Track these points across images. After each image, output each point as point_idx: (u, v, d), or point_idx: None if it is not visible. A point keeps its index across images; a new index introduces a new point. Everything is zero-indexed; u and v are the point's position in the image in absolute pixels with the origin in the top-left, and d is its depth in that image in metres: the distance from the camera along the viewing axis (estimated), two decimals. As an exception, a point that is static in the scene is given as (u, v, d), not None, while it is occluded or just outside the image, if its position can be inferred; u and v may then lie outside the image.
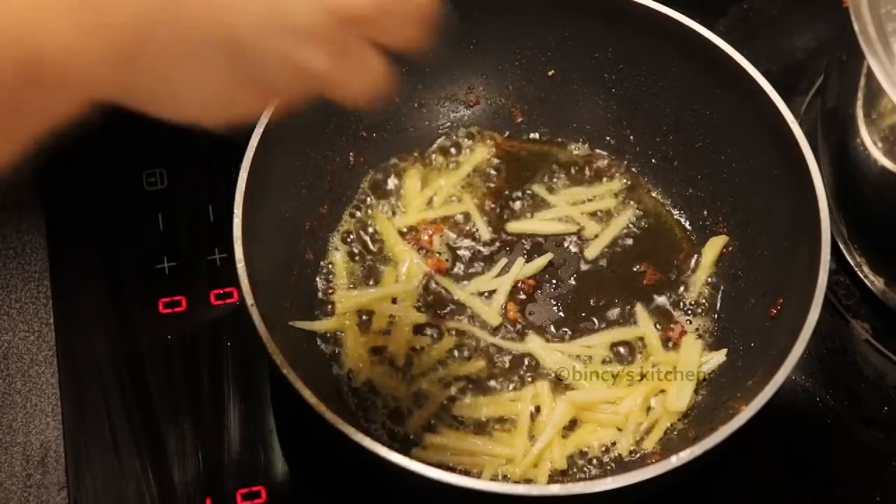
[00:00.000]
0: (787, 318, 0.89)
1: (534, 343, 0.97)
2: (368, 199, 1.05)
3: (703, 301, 1.00)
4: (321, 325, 0.97)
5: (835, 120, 1.00)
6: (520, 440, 0.92)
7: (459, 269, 1.02)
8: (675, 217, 1.05)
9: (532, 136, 1.10)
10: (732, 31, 1.21)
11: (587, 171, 1.08)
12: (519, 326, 0.99)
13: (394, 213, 1.05)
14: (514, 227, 1.04)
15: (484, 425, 0.93)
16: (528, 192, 1.06)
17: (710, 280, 1.01)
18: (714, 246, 1.02)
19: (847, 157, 0.97)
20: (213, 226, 1.08)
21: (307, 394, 0.81)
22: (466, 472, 0.90)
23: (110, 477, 0.95)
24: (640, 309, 1.00)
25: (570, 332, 0.99)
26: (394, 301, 0.99)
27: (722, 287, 1.00)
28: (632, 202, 1.06)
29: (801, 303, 0.86)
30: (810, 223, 0.89)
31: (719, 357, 0.96)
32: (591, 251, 1.03)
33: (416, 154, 1.08)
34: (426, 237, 1.03)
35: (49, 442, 0.98)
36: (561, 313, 1.00)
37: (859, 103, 0.92)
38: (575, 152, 1.09)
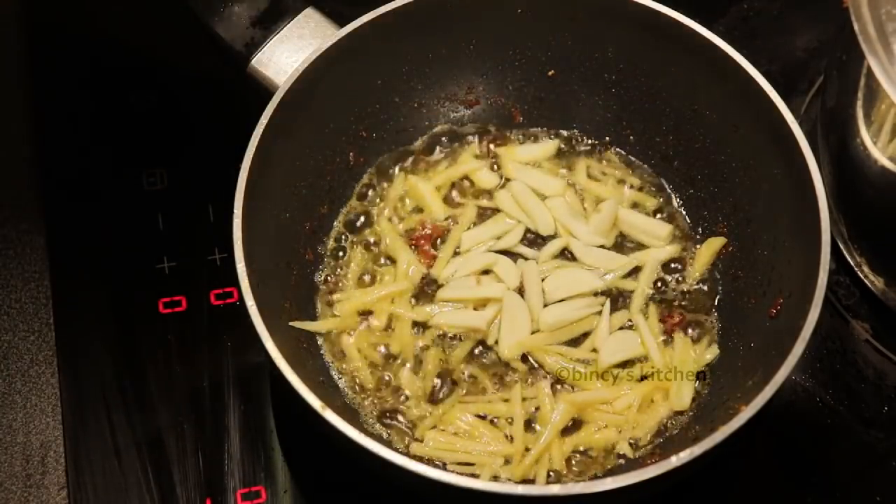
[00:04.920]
0: (787, 318, 0.89)
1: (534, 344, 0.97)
2: (368, 199, 1.05)
3: (702, 300, 1.00)
4: (321, 325, 0.97)
5: (835, 120, 1.00)
6: (519, 440, 0.92)
7: (459, 268, 1.02)
8: (675, 217, 1.05)
9: (531, 135, 1.10)
10: (732, 31, 1.21)
11: (587, 171, 1.08)
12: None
13: (393, 214, 1.05)
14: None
15: (484, 425, 0.93)
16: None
17: (708, 280, 1.01)
18: (711, 246, 1.02)
19: (847, 157, 0.97)
20: (213, 226, 1.08)
21: (307, 394, 0.81)
22: (466, 473, 0.90)
23: (110, 477, 0.95)
24: (638, 315, 0.99)
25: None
26: (392, 301, 0.99)
27: (722, 287, 1.00)
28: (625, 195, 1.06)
29: (801, 303, 0.86)
30: (810, 223, 0.89)
31: (712, 351, 0.96)
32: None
33: (415, 154, 1.08)
34: (425, 237, 1.03)
35: (49, 442, 0.98)
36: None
37: (859, 103, 0.92)
38: (574, 152, 1.09)
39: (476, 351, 0.97)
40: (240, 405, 0.99)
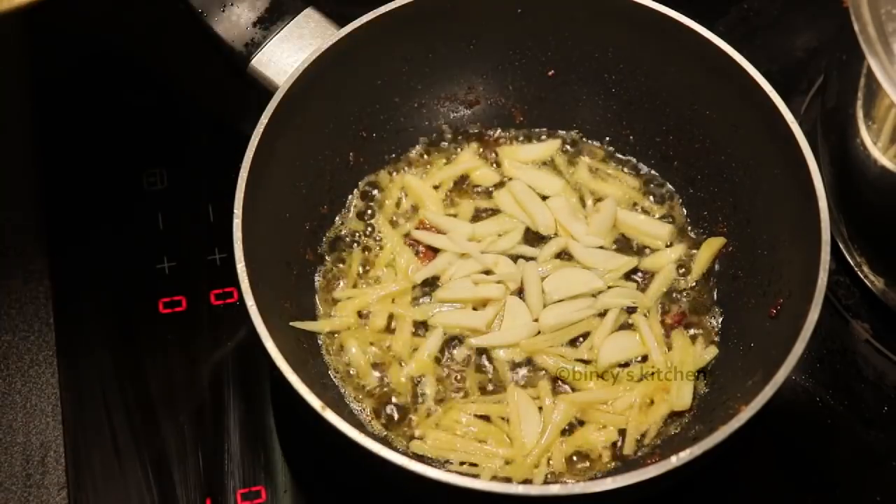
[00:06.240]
0: (787, 318, 0.89)
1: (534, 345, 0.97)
2: (368, 199, 1.05)
3: (702, 300, 1.00)
4: (321, 325, 0.97)
5: (835, 120, 1.00)
6: (519, 440, 0.92)
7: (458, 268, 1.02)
8: (675, 217, 1.05)
9: (532, 135, 1.10)
10: (732, 31, 1.21)
11: (587, 171, 1.08)
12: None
13: (393, 213, 1.05)
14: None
15: (484, 425, 0.93)
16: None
17: (708, 280, 1.01)
18: (711, 246, 1.02)
19: (847, 157, 0.97)
20: (213, 226, 1.08)
21: (307, 394, 0.81)
22: (466, 473, 0.90)
23: (110, 477, 0.95)
24: (638, 315, 0.99)
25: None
26: (393, 301, 0.99)
27: (722, 287, 1.00)
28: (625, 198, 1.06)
29: (801, 303, 0.86)
30: (810, 223, 0.89)
31: (712, 351, 0.96)
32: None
33: (415, 154, 1.08)
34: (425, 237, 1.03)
35: (49, 442, 0.98)
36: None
37: (859, 103, 0.92)
38: (574, 152, 1.09)
39: (476, 351, 0.97)
40: (240, 405, 0.99)
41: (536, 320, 0.98)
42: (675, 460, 0.79)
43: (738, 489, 0.98)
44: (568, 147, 1.09)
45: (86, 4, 1.18)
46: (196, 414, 0.98)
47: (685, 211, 1.05)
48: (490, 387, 0.95)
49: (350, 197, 1.05)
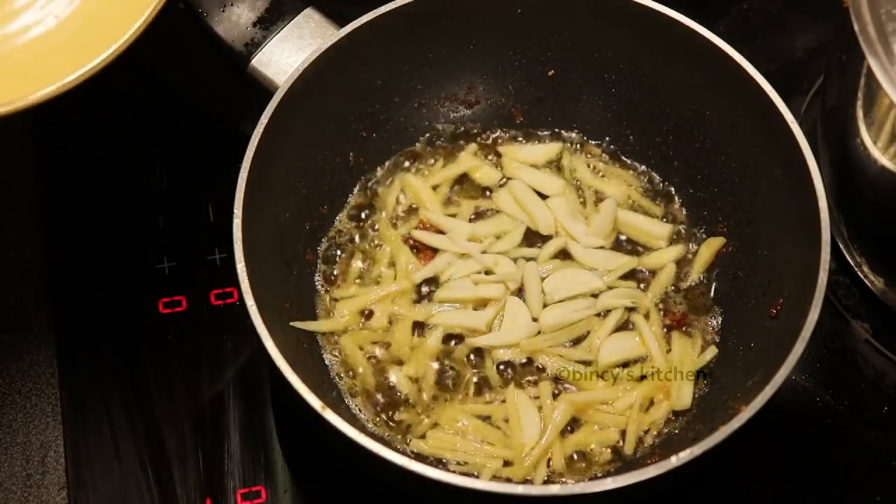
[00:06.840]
0: (787, 318, 0.89)
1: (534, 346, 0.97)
2: (368, 199, 1.05)
3: (702, 300, 1.00)
4: (321, 325, 0.97)
5: (835, 120, 1.00)
6: (519, 440, 0.92)
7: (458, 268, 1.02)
8: (675, 217, 1.05)
9: (532, 135, 1.10)
10: (732, 31, 1.21)
11: (587, 171, 1.08)
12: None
13: (393, 214, 1.05)
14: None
15: (484, 425, 0.93)
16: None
17: (708, 280, 1.01)
18: (711, 246, 1.02)
19: (847, 157, 0.97)
20: (213, 226, 1.08)
21: (307, 394, 0.81)
22: (466, 472, 0.90)
23: (110, 477, 0.95)
24: (638, 315, 0.99)
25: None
26: (393, 301, 0.99)
27: (722, 287, 1.00)
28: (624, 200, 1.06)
29: (801, 303, 0.86)
30: (810, 223, 0.89)
31: (712, 351, 0.96)
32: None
33: (415, 154, 1.08)
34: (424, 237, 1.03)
35: (49, 442, 0.98)
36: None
37: (859, 103, 0.92)
38: (574, 152, 1.09)
39: (476, 351, 0.97)
40: (240, 405, 0.99)
41: (536, 320, 0.98)
42: (675, 460, 0.79)
43: (737, 489, 0.98)
44: (568, 147, 1.09)
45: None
46: (196, 414, 0.98)
47: (685, 211, 1.05)
48: (489, 387, 0.95)
49: (350, 197, 1.05)
